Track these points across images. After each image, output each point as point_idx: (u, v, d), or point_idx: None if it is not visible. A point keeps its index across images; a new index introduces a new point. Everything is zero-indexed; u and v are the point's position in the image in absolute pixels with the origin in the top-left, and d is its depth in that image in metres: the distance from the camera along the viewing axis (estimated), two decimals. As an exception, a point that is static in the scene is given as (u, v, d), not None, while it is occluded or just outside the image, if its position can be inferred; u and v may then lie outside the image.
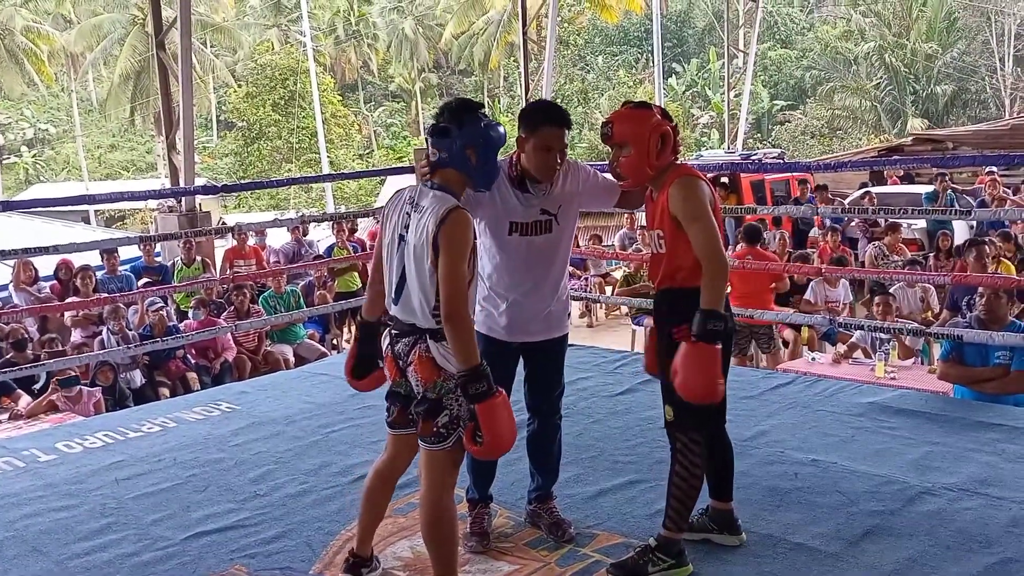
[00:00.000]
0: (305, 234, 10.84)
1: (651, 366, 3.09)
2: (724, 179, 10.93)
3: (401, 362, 2.64)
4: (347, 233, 9.71)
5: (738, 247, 7.39)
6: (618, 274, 11.14)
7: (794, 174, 12.73)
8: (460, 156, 2.58)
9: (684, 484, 2.86)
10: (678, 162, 2.85)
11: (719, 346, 2.62)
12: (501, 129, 2.66)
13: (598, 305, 10.64)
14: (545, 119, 2.84)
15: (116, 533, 3.34)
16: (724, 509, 3.06)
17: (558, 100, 30.57)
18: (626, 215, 11.24)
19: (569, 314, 3.23)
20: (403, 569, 2.99)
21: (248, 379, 6.86)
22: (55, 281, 8.29)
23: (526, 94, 14.48)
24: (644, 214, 3.07)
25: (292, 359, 7.99)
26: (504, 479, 3.37)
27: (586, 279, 10.56)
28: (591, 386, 4.94)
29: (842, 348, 6.54)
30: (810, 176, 12.35)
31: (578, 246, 10.70)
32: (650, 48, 30.40)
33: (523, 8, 14.75)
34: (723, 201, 9.82)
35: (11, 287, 7.91)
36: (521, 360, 3.15)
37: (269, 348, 7.99)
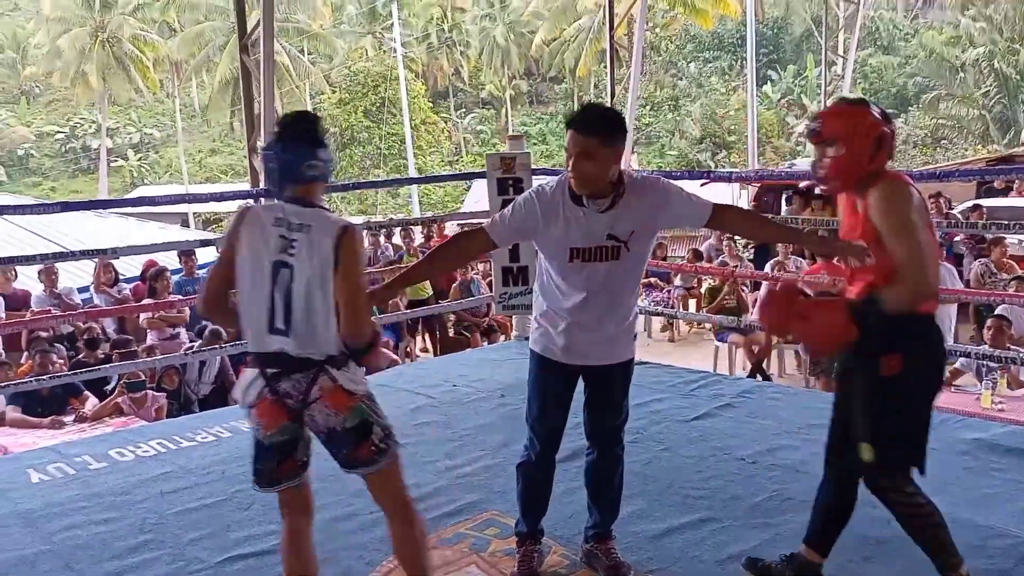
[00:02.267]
0: (390, 237, 10.77)
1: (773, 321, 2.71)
2: (819, 189, 10.38)
3: (292, 402, 2.38)
4: (424, 239, 9.55)
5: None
6: (703, 287, 10.71)
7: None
8: (328, 169, 2.43)
9: (923, 528, 2.50)
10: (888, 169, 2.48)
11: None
12: None
13: (680, 319, 10.23)
14: (569, 122, 2.58)
15: (151, 552, 3.20)
16: (815, 563, 2.72)
17: (647, 107, 30.12)
18: (714, 226, 10.78)
19: (635, 336, 2.91)
20: (443, 610, 2.74)
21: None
22: (138, 282, 8.38)
23: (611, 100, 14.16)
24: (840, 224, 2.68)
25: (363, 367, 7.86)
26: (559, 512, 3.10)
27: (668, 291, 10.16)
28: (664, 409, 4.60)
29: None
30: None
31: (664, 259, 10.31)
32: (744, 54, 29.64)
33: (610, 13, 14.44)
34: (818, 212, 9.32)
35: (91, 288, 8.02)
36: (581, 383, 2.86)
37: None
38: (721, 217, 2.74)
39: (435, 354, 9.14)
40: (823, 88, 22.64)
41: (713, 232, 10.94)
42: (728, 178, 6.84)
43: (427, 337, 9.87)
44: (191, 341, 7.21)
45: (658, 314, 9.30)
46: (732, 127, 31.52)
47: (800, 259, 8.58)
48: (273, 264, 2.35)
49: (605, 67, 33.50)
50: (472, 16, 45.79)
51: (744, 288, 8.57)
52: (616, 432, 2.89)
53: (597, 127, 2.53)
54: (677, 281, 10.27)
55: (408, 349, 9.14)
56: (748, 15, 22.90)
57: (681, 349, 9.46)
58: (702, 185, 11.31)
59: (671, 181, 2.77)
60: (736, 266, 8.65)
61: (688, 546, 3.07)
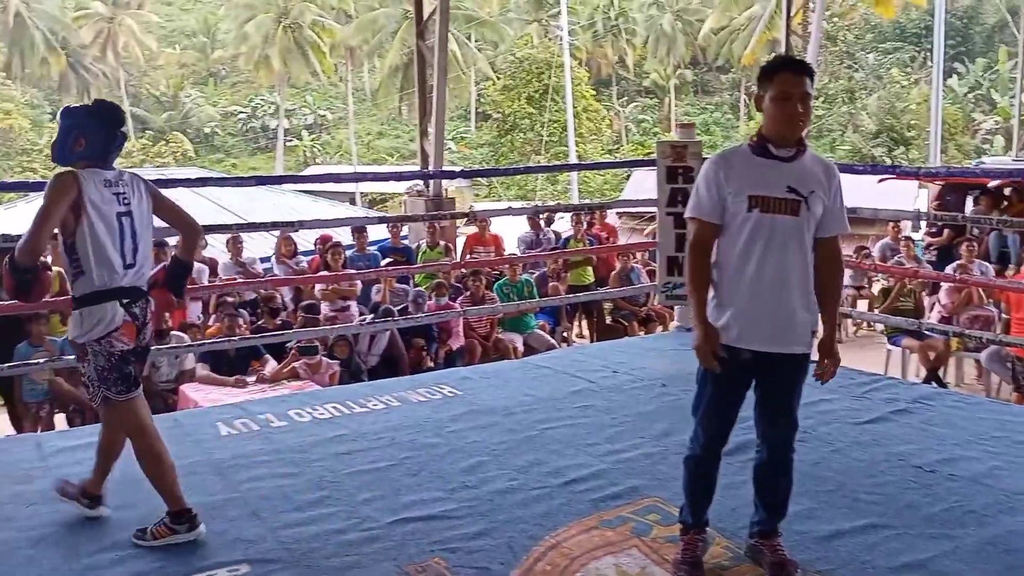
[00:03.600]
0: (551, 223, 10.85)
1: None
2: (1007, 189, 9.72)
3: (139, 322, 3.07)
4: (585, 226, 9.58)
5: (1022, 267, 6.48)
6: (875, 287, 10.23)
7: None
8: None
9: None
10: None
11: None
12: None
13: (848, 320, 9.82)
14: (783, 65, 2.65)
15: (328, 508, 3.38)
16: None
17: (821, 99, 28.94)
18: (890, 224, 10.27)
19: (815, 332, 2.83)
20: (605, 589, 2.77)
21: (476, 364, 6.91)
22: (314, 256, 8.82)
23: (785, 90, 13.65)
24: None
25: (521, 348, 8.01)
26: (723, 504, 3.05)
27: (837, 290, 9.76)
28: (835, 410, 4.44)
29: None
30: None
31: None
32: (929, 46, 27.94)
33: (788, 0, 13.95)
34: (1008, 212, 8.73)
35: (273, 259, 8.51)
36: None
37: (500, 335, 8.04)
38: (829, 244, 2.75)
39: (591, 340, 9.17)
40: (1018, 82, 21.02)
41: (889, 230, 10.45)
42: (915, 174, 6.50)
43: (583, 323, 9.91)
44: (361, 315, 7.53)
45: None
46: (912, 122, 29.81)
47: (985, 263, 8.07)
48: (118, 215, 3.00)
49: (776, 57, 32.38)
50: (639, 3, 45.33)
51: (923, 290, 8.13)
52: (788, 434, 2.82)
53: (808, 68, 2.64)
54: (846, 279, 9.85)
55: (565, 334, 9.20)
56: (937, 5, 21.55)
57: (848, 350, 9.00)
58: (880, 181, 10.86)
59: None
60: (916, 268, 8.22)
61: (858, 550, 2.97)
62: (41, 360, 5.55)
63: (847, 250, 12.31)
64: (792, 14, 14.15)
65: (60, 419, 6.51)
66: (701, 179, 2.74)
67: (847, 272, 9.73)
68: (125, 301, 3.02)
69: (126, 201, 3.03)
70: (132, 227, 3.04)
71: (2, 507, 3.42)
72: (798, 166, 2.65)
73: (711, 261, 2.76)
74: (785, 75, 2.59)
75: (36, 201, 3.42)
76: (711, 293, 2.75)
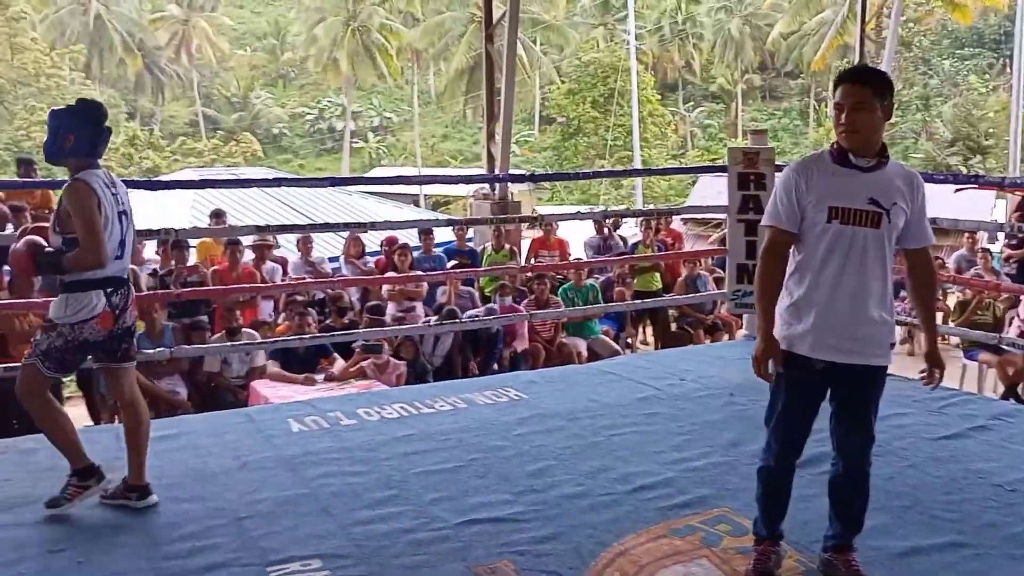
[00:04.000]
0: (616, 228, 10.81)
1: None
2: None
3: (117, 310, 3.28)
4: (654, 232, 9.51)
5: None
6: (951, 300, 9.96)
7: None
8: None
9: None
10: None
11: None
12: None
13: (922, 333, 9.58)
14: (842, 77, 2.64)
15: (397, 506, 3.41)
16: None
17: (894, 106, 28.32)
18: (966, 235, 9.99)
19: (893, 344, 2.77)
20: (674, 598, 2.75)
21: (540, 368, 6.91)
22: (380, 256, 8.93)
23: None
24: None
25: (585, 353, 7.98)
26: (795, 517, 2.99)
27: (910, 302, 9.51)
28: (909, 424, 4.34)
29: None
30: None
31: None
32: (1009, 52, 27.12)
33: (863, 4, 13.66)
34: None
35: (341, 259, 8.64)
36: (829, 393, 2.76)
37: (564, 340, 8.03)
38: (922, 255, 2.75)
39: (656, 347, 9.10)
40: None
41: (965, 240, 10.17)
42: (999, 184, 6.33)
43: (648, 329, 9.85)
44: (426, 316, 7.60)
45: (903, 324, 8.71)
46: (990, 130, 28.95)
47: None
48: (120, 213, 3.29)
49: (847, 62, 31.80)
50: (707, 8, 44.90)
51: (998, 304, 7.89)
52: (864, 448, 2.77)
53: (870, 78, 2.61)
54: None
55: (629, 340, 9.16)
56: (1020, 7, 20.89)
57: (922, 364, 8.82)
58: (957, 191, 10.56)
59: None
60: (996, 280, 7.98)
61: (935, 569, 2.89)
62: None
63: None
64: (867, 19, 13.86)
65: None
66: (780, 186, 2.72)
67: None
68: (109, 290, 3.27)
69: (122, 201, 3.34)
70: (129, 224, 3.37)
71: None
72: (880, 176, 2.62)
73: (785, 270, 2.73)
74: (844, 86, 2.60)
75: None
76: (787, 302, 2.71)
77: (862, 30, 14.04)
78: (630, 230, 19.15)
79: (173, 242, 7.38)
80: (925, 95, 31.47)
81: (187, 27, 45.64)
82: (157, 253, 7.84)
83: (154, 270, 7.59)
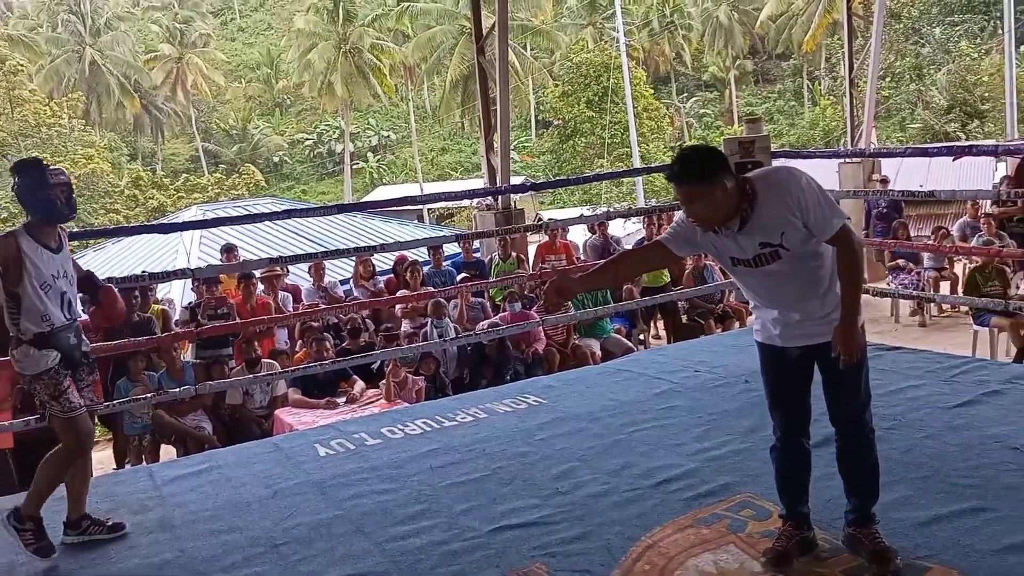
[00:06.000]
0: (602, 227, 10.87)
1: None
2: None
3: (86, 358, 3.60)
4: (656, 227, 9.57)
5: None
6: (957, 268, 9.99)
7: None
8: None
9: None
10: None
11: None
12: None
13: (932, 303, 9.61)
14: (668, 178, 2.72)
15: (429, 520, 3.50)
16: None
17: (887, 79, 28.25)
18: (970, 202, 10.01)
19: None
20: (705, 585, 2.83)
21: (556, 372, 6.98)
22: (390, 276, 9.01)
23: (850, 74, 13.45)
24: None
25: (599, 353, 8.05)
26: (817, 496, 3.06)
27: (918, 273, 9.55)
28: (923, 395, 4.40)
29: None
30: None
31: (908, 238, 9.71)
32: (999, 14, 27.07)
33: (847, -19, 13.72)
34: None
35: (351, 282, 8.73)
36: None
37: (577, 342, 8.10)
38: (833, 242, 2.69)
39: (668, 341, 9.16)
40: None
41: (967, 208, 10.19)
42: (993, 152, 6.36)
43: (659, 324, 9.90)
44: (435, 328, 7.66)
45: (911, 297, 8.76)
46: (986, 94, 28.85)
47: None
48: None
49: (837, 40, 31.74)
50: (694, -2, 44.99)
51: (1008, 268, 7.92)
52: (855, 412, 2.86)
53: (691, 174, 2.63)
54: (927, 262, 9.64)
55: (641, 336, 9.22)
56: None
57: (934, 334, 8.87)
58: (955, 160, 10.57)
59: (814, 182, 2.69)
60: (1004, 245, 8.01)
61: (959, 535, 2.95)
62: (147, 395, 5.82)
63: (926, 230, 12.03)
64: (852, -4, 13.92)
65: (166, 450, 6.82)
66: (682, 221, 2.81)
67: (926, 256, 9.53)
68: None
69: None
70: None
71: (124, 536, 3.62)
72: (755, 223, 2.67)
73: (642, 267, 3.01)
74: (675, 187, 2.67)
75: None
76: (754, 304, 2.92)
77: (849, 6, 14.07)
78: (634, 226, 19.19)
79: (206, 280, 7.49)
80: (918, 65, 31.33)
81: (181, 64, 46.02)
82: (193, 290, 7.91)
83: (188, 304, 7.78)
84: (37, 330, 3.35)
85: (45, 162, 3.48)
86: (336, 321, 7.82)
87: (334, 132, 48.17)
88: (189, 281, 7.89)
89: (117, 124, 46.15)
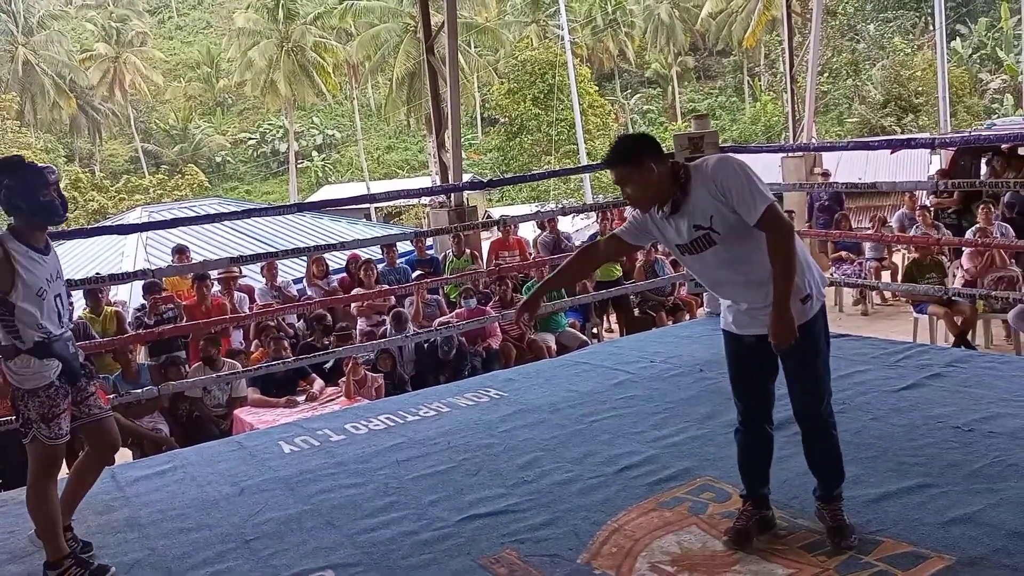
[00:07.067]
0: (552, 224, 11.01)
1: None
2: (1021, 149, 9.78)
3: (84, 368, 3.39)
4: (610, 223, 9.72)
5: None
6: (896, 258, 10.33)
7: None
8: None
9: None
10: None
11: None
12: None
13: (873, 292, 9.93)
14: (603, 162, 2.99)
15: (398, 512, 3.56)
16: None
17: (825, 74, 28.89)
18: (907, 194, 10.35)
19: (805, 300, 2.92)
20: (670, 564, 2.94)
21: (513, 366, 7.07)
22: (345, 274, 9.01)
23: (790, 70, 13.78)
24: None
25: (555, 347, 8.16)
26: (774, 477, 3.18)
27: (860, 263, 9.87)
28: (869, 380, 4.59)
29: None
30: None
31: (851, 228, 10.01)
32: (930, 10, 27.90)
33: (786, -21, 14.03)
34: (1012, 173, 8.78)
35: (304, 281, 8.71)
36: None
37: (532, 336, 8.20)
38: (761, 227, 2.73)
39: (621, 334, 9.31)
40: (1023, 40, 20.95)
41: (904, 200, 10.54)
42: (930, 144, 6.62)
43: (612, 317, 10.06)
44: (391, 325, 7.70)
45: (854, 286, 9.04)
46: (919, 89, 29.72)
47: (1006, 224, 8.16)
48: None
49: (776, 36, 32.39)
50: (636, -5, 45.44)
51: (944, 256, 8.23)
52: (808, 401, 2.95)
53: (619, 158, 2.85)
54: (868, 252, 9.95)
55: (595, 329, 9.36)
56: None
57: (876, 322, 9.17)
58: (893, 153, 10.89)
59: (742, 168, 2.77)
60: (940, 235, 8.31)
61: (908, 510, 3.11)
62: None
63: (865, 222, 12.34)
64: (792, -6, 14.24)
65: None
66: (749, 170, 2.79)
67: (867, 246, 9.83)
68: None
69: None
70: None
71: (91, 537, 3.61)
72: (688, 206, 2.80)
73: (601, 261, 3.54)
74: (611, 172, 2.89)
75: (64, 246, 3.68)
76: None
77: (788, 3, 14.39)
78: (582, 222, 19.34)
79: (149, 283, 7.41)
80: (854, 60, 32.15)
81: (118, 63, 45.08)
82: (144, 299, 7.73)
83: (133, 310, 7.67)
84: (36, 338, 3.12)
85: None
86: (294, 320, 7.82)
87: (278, 131, 47.65)
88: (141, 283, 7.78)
89: (53, 125, 45.02)
